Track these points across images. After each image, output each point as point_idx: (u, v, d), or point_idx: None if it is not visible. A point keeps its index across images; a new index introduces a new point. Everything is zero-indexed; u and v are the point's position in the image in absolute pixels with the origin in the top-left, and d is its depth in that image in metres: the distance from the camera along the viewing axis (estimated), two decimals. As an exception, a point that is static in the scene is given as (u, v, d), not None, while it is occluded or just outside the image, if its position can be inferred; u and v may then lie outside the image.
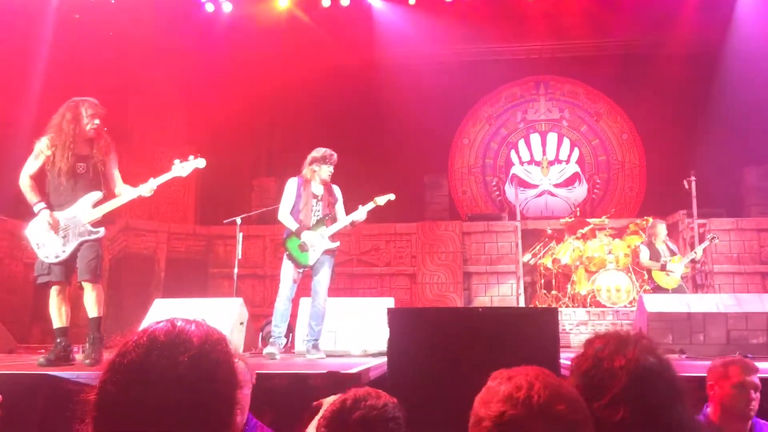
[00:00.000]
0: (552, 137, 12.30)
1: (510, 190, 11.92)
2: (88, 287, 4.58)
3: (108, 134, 4.83)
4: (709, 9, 10.23)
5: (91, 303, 4.60)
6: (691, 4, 10.36)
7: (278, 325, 5.61)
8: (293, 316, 6.40)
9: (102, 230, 4.67)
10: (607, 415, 1.42)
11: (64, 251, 4.56)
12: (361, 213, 5.80)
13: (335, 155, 5.86)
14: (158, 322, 1.16)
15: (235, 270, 7.44)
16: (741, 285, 8.99)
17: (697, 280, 8.95)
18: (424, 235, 10.13)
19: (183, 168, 4.90)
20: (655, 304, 6.29)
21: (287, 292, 5.64)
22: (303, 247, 5.65)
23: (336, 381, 3.47)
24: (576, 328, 8.79)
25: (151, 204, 10.70)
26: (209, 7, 10.66)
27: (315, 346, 5.62)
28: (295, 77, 11.12)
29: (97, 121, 4.69)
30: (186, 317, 1.19)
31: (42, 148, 4.63)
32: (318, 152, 5.85)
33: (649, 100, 10.77)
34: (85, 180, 4.67)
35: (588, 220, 10.12)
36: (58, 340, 4.59)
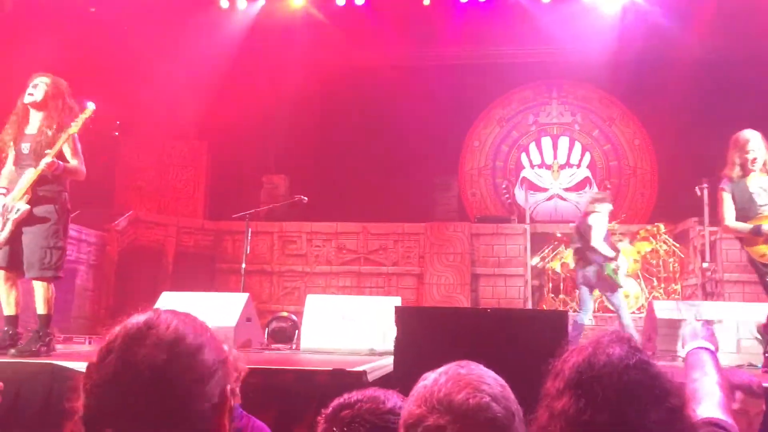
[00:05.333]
0: (563, 141, 12.24)
1: (519, 193, 11.87)
2: (35, 284, 4.36)
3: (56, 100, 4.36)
4: (724, 15, 10.13)
5: (37, 300, 4.37)
6: (705, 10, 10.28)
7: None
8: (300, 313, 6.39)
9: (20, 208, 4.22)
10: (553, 405, 1.39)
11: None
12: None
13: None
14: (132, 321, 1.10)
15: (243, 265, 7.44)
16: (751, 294, 8.88)
17: (707, 289, 8.86)
18: (432, 236, 10.08)
19: (75, 125, 4.39)
20: (665, 310, 6.23)
21: None
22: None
23: (341, 378, 3.46)
24: (583, 333, 8.72)
25: (161, 197, 10.74)
26: (224, 3, 10.68)
27: None
28: (307, 75, 11.12)
29: (33, 91, 4.25)
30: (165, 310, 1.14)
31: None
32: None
33: (663, 107, 10.68)
34: (27, 160, 4.34)
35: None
36: (6, 329, 4.35)
